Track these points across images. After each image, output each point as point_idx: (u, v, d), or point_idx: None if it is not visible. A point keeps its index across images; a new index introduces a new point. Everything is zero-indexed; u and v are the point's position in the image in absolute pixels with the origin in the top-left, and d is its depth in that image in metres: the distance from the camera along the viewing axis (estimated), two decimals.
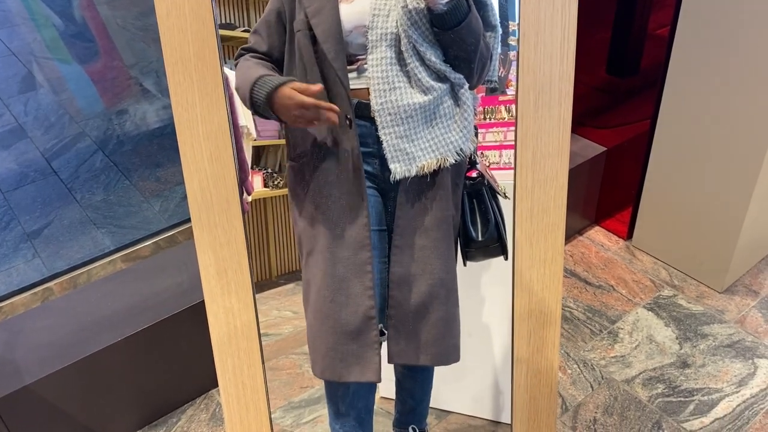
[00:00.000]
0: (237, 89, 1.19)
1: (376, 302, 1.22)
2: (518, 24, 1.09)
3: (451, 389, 1.77)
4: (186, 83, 1.07)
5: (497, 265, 1.51)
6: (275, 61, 1.24)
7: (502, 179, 1.42)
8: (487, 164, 1.45)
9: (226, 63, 1.19)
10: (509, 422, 1.75)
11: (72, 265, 2.02)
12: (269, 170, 1.80)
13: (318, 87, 1.13)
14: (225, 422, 1.25)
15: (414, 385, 1.55)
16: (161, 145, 2.66)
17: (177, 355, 1.82)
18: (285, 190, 1.81)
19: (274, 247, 1.96)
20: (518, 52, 1.07)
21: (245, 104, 1.18)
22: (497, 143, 1.51)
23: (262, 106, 1.14)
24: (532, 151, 1.12)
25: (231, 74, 1.21)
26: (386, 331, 1.32)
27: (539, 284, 1.20)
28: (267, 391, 1.22)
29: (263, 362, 1.20)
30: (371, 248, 1.21)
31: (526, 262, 1.19)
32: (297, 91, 1.12)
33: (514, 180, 1.15)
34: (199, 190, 1.12)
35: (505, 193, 1.39)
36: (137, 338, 1.71)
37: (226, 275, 1.16)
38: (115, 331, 1.71)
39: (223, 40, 1.12)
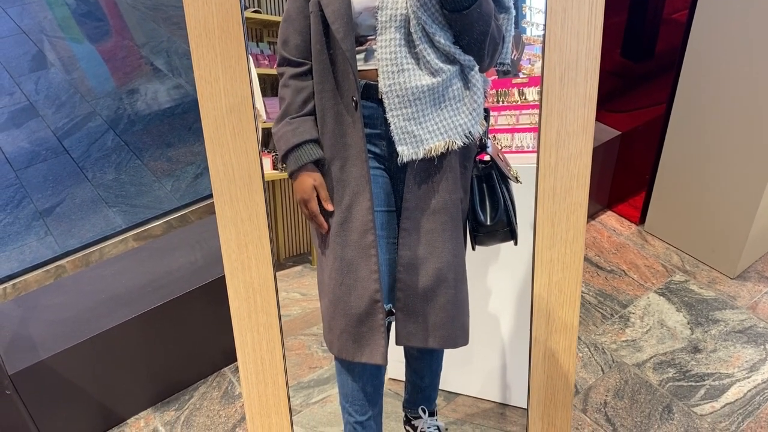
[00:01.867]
0: (275, 132, 1.23)
1: (381, 285, 1.23)
2: (545, 1, 1.08)
3: (460, 372, 1.78)
4: (209, 56, 1.06)
5: (506, 249, 1.51)
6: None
7: (515, 163, 1.41)
8: (500, 147, 1.44)
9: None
10: (517, 405, 1.76)
11: (84, 243, 2.02)
12: (278, 154, 1.79)
13: (331, 209, 1.23)
14: (243, 397, 1.25)
15: (424, 367, 1.55)
16: (172, 125, 2.66)
17: (189, 333, 1.82)
18: None
19: (282, 229, 1.96)
20: (545, 29, 1.06)
21: (276, 142, 1.25)
22: (509, 126, 1.50)
23: (288, 166, 1.22)
24: (556, 130, 1.11)
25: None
26: (394, 312, 1.32)
27: (560, 264, 1.20)
28: (286, 366, 1.22)
29: (282, 337, 1.20)
30: (375, 232, 1.21)
31: (547, 242, 1.19)
32: (317, 193, 1.22)
33: (537, 158, 1.14)
34: (221, 165, 1.11)
35: (517, 178, 1.38)
36: (150, 316, 1.72)
37: (246, 250, 1.16)
38: (129, 309, 1.71)
39: None
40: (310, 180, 1.21)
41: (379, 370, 1.37)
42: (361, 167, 1.19)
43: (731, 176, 2.02)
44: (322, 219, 1.23)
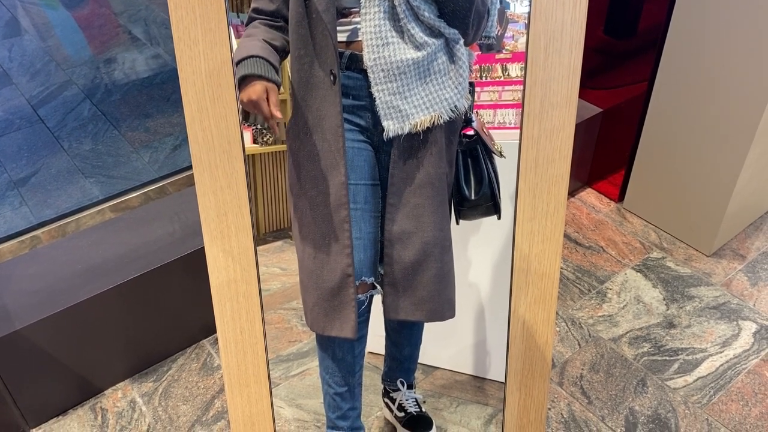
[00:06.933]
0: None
1: (354, 260, 1.22)
2: None
3: (439, 346, 1.79)
4: (189, 18, 1.04)
5: (486, 224, 1.51)
6: (286, 18, 1.22)
7: (497, 138, 1.41)
8: (483, 122, 1.44)
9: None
10: (495, 378, 1.78)
11: (60, 214, 1.99)
12: (258, 126, 1.77)
13: (280, 116, 1.19)
14: (222, 367, 1.25)
15: (403, 339, 1.56)
16: (150, 95, 2.61)
17: (168, 304, 1.81)
18: (274, 147, 1.79)
19: (263, 204, 1.94)
20: None
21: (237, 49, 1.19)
22: (492, 102, 1.50)
23: (239, 69, 1.17)
24: (540, 100, 1.11)
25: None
26: (377, 286, 1.32)
27: (540, 235, 1.20)
28: (265, 336, 1.22)
29: (262, 307, 1.20)
30: (348, 206, 1.20)
31: (528, 213, 1.19)
32: (267, 95, 1.17)
33: (521, 129, 1.14)
34: (200, 131, 1.09)
35: (501, 152, 1.38)
36: (128, 287, 1.70)
37: (226, 218, 1.15)
38: (106, 280, 1.69)
39: None
40: (262, 82, 1.17)
41: (358, 342, 1.37)
42: (336, 141, 1.18)
43: (709, 156, 2.04)
44: (274, 123, 1.20)
